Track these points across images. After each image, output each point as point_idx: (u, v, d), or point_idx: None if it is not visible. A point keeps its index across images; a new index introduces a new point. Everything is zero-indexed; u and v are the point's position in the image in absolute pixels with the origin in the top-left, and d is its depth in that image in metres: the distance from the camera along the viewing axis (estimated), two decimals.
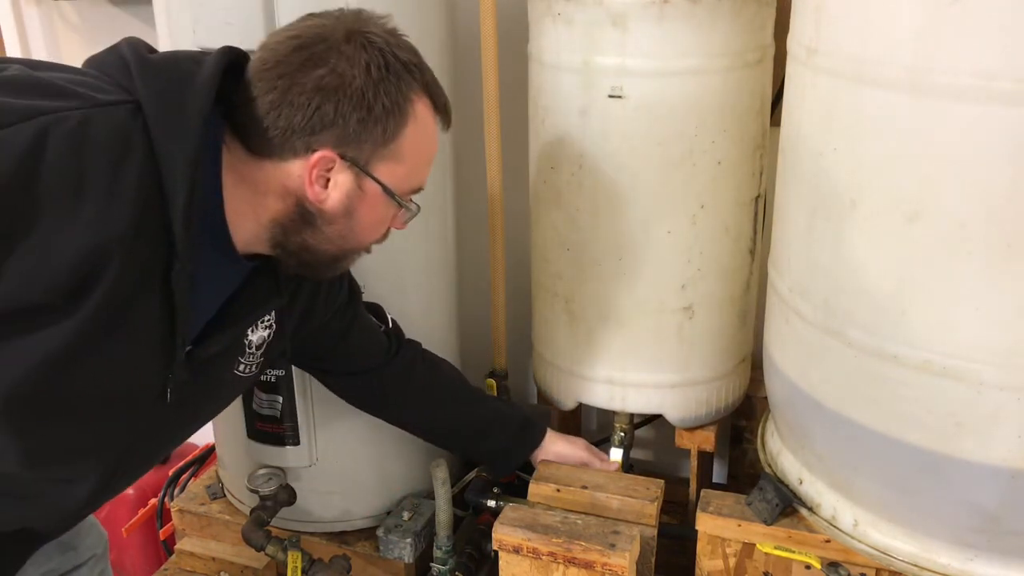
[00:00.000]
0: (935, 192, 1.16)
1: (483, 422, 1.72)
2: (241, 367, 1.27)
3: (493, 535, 1.55)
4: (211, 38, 1.48)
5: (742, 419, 1.94)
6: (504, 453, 1.73)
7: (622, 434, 1.83)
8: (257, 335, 1.26)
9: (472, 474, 1.86)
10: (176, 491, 2.03)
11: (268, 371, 1.67)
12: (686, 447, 1.82)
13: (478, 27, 1.69)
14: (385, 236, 1.24)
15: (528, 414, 1.76)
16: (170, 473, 2.12)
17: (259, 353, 1.29)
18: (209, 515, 1.90)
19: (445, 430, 1.72)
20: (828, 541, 1.47)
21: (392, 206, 1.17)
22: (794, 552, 1.49)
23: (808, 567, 1.49)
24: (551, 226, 1.72)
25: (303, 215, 1.12)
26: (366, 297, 1.66)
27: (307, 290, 1.36)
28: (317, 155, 1.08)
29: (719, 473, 2.13)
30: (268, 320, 1.28)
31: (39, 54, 2.30)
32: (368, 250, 1.24)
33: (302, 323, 1.38)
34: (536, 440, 1.73)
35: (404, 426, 1.71)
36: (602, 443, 1.84)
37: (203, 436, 2.34)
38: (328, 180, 1.10)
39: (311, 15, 1.13)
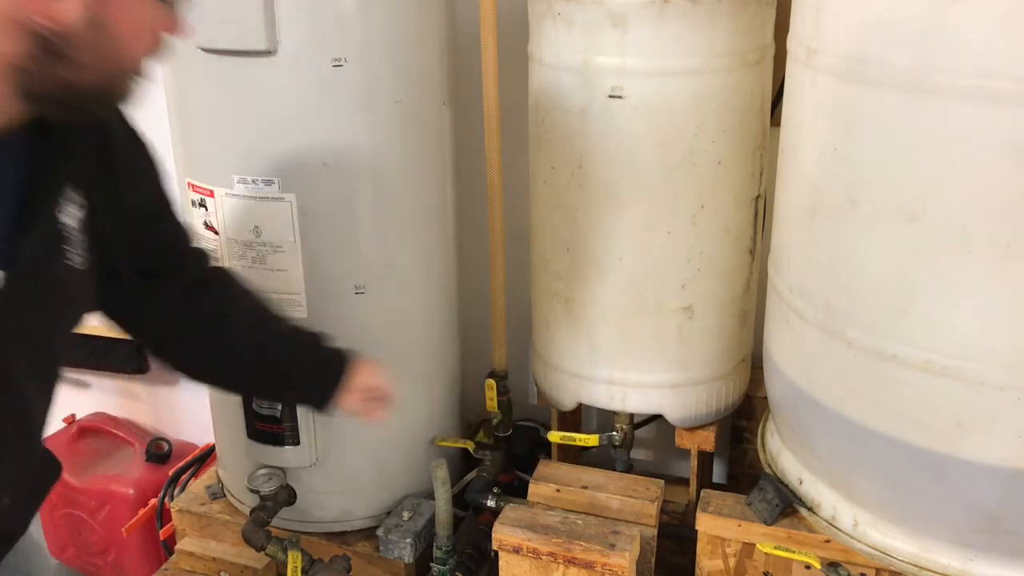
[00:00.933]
0: (935, 192, 1.16)
1: (280, 348, 1.42)
2: (74, 257, 1.08)
3: (493, 535, 1.56)
4: (211, 38, 1.49)
5: (742, 419, 1.94)
6: (310, 385, 1.44)
7: (622, 434, 1.84)
8: (70, 215, 1.07)
9: (472, 474, 1.86)
10: (176, 491, 2.03)
11: None
12: (686, 447, 1.82)
13: (478, 27, 1.69)
14: (157, 45, 1.00)
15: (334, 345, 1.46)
16: (170, 473, 2.12)
17: (85, 238, 1.10)
18: (209, 515, 1.90)
19: (236, 357, 1.39)
20: (828, 541, 1.47)
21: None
22: (794, 552, 1.49)
23: (808, 567, 1.49)
24: (551, 226, 1.72)
25: (44, 47, 0.90)
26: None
27: (98, 157, 1.13)
28: None
29: (719, 473, 2.13)
30: (75, 196, 1.08)
31: None
32: (140, 72, 1.00)
33: (109, 197, 1.15)
34: (345, 370, 1.43)
35: (187, 357, 1.39)
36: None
37: (203, 436, 2.34)
38: None
39: None
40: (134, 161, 1.21)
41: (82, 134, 1.06)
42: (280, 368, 1.41)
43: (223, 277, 1.41)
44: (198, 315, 1.35)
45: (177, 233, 1.34)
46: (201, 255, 1.38)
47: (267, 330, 1.41)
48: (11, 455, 1.11)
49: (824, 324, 1.34)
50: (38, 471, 1.25)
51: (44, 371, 1.13)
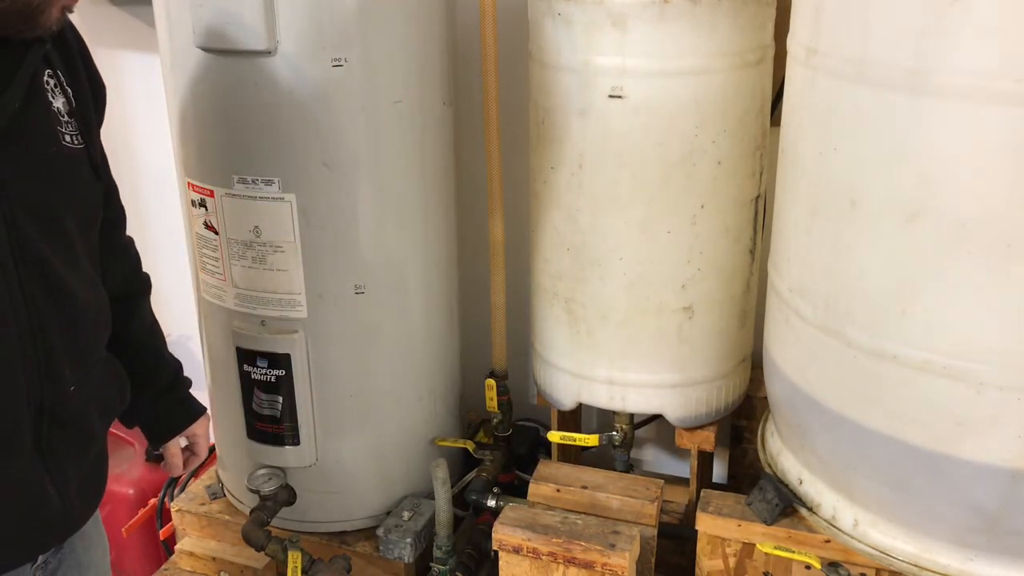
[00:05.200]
0: (935, 192, 1.16)
1: (151, 361, 1.49)
2: (66, 137, 1.17)
3: (493, 535, 1.56)
4: (211, 38, 1.49)
5: (742, 419, 1.94)
6: (156, 413, 1.50)
7: (622, 434, 1.84)
8: (59, 100, 1.18)
9: (472, 474, 1.86)
10: (176, 491, 2.03)
11: (268, 371, 1.67)
12: (686, 447, 1.82)
13: (478, 27, 1.69)
14: None
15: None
16: None
17: (73, 120, 1.19)
18: (209, 515, 1.90)
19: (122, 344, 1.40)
20: (828, 541, 1.47)
21: None
22: (794, 552, 1.49)
23: (808, 567, 1.49)
24: (551, 226, 1.72)
25: None
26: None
27: (64, 56, 1.22)
28: None
29: (719, 473, 2.13)
30: (55, 82, 1.18)
31: None
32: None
33: (83, 94, 1.24)
34: (191, 419, 1.53)
35: None
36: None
37: None
38: None
39: None
40: (96, 75, 1.30)
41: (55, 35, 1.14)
42: (138, 378, 1.43)
43: (150, 288, 1.50)
44: (129, 288, 1.43)
45: (113, 186, 1.40)
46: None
47: (157, 340, 1.51)
48: (52, 329, 1.13)
49: (824, 324, 1.34)
50: (103, 376, 1.28)
51: (67, 252, 1.17)
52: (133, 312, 1.45)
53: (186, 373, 1.53)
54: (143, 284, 1.49)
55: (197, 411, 1.54)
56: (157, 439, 1.51)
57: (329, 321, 1.66)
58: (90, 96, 1.25)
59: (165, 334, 1.52)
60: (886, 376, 1.27)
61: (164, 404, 1.50)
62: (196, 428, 1.53)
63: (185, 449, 1.54)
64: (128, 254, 1.46)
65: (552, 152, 1.66)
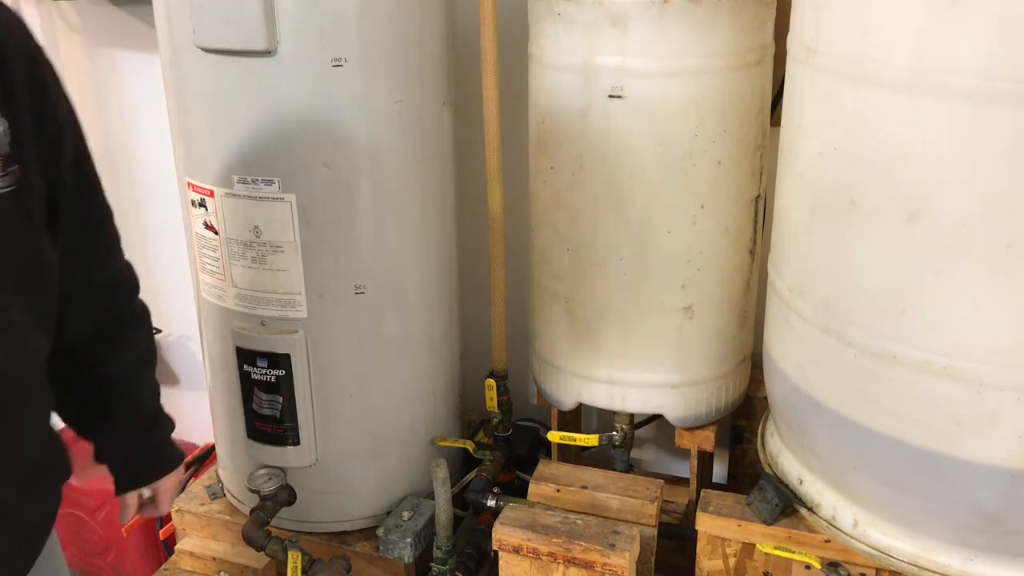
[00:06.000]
0: (935, 192, 1.16)
1: (135, 409, 1.37)
2: None
3: (493, 535, 1.56)
4: (211, 38, 1.49)
5: (742, 419, 1.94)
6: (129, 457, 1.38)
7: (622, 434, 1.84)
8: None
9: (472, 474, 1.86)
10: None
11: (268, 371, 1.67)
12: (686, 447, 1.82)
13: (478, 27, 1.70)
14: None
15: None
16: None
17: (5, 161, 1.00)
18: (209, 515, 1.90)
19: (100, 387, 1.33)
20: (828, 541, 1.47)
21: None
22: (794, 552, 1.49)
23: (808, 567, 1.49)
24: (551, 226, 1.72)
25: None
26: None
27: (29, 83, 1.04)
28: None
29: (719, 473, 2.13)
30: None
31: None
32: None
33: (23, 128, 1.04)
34: (165, 470, 1.40)
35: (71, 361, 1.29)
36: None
37: (203, 436, 2.34)
38: None
39: None
40: (65, 106, 1.13)
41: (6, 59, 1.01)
42: (117, 423, 1.36)
43: (146, 317, 1.36)
44: (120, 345, 1.31)
45: (106, 218, 1.26)
46: (134, 284, 1.34)
47: (141, 382, 1.37)
48: None
49: (824, 324, 1.34)
50: (27, 448, 1.16)
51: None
52: (114, 347, 1.31)
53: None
54: (133, 315, 1.33)
55: (167, 465, 1.40)
56: (119, 486, 1.37)
57: (329, 321, 1.66)
58: (35, 130, 1.06)
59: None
60: (886, 376, 1.27)
61: (133, 450, 1.37)
62: (162, 483, 1.39)
63: (150, 500, 1.40)
64: (120, 285, 1.31)
65: (552, 152, 1.66)
